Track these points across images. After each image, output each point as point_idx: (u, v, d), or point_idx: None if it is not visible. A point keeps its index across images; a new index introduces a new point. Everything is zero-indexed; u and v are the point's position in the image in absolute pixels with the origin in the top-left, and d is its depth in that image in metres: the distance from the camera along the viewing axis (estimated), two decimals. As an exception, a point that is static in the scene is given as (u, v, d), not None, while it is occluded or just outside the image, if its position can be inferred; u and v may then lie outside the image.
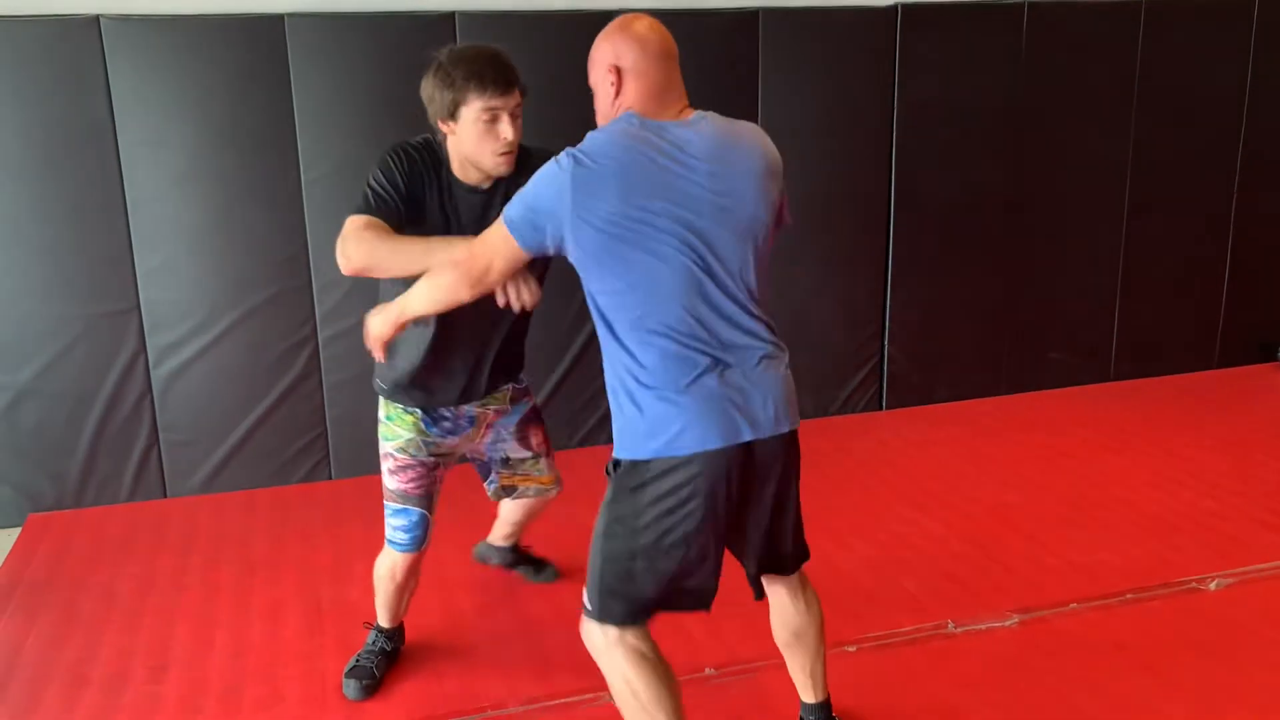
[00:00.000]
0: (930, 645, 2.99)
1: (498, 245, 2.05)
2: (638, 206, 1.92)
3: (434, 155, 2.48)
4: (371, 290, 4.02)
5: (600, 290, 2.01)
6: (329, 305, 4.15)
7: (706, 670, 2.87)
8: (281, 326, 4.13)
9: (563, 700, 2.76)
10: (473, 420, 2.76)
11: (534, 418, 2.92)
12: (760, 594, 2.34)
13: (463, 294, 2.12)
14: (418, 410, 2.67)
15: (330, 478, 4.32)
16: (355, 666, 2.86)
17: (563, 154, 1.97)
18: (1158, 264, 5.25)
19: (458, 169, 2.47)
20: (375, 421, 4.17)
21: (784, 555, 2.27)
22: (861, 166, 4.72)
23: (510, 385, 2.82)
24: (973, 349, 5.07)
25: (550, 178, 1.96)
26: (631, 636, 2.11)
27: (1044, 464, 4.35)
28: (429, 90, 2.37)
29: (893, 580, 3.37)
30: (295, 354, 4.17)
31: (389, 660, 2.93)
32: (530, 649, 3.02)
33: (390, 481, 2.70)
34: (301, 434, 4.25)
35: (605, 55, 2.07)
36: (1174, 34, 5.01)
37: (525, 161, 2.41)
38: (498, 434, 2.86)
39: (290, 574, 3.52)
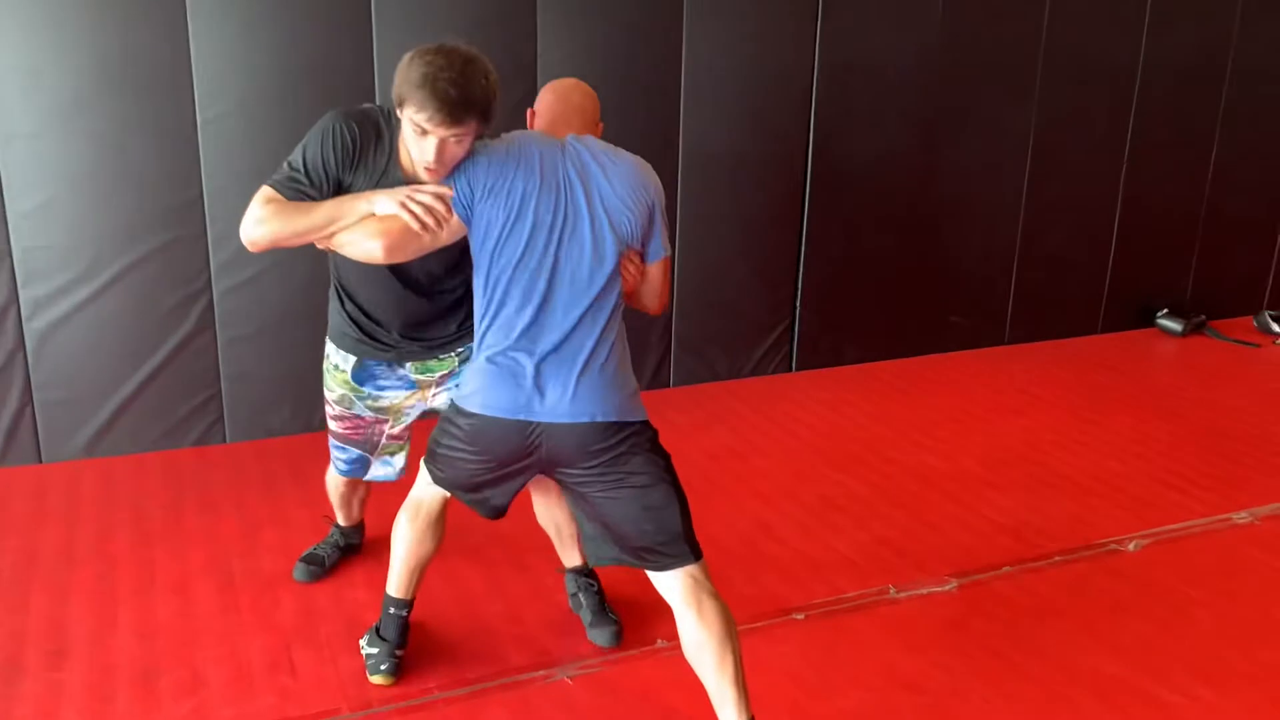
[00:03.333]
0: (876, 611, 2.99)
1: None
2: (520, 194, 2.22)
3: (377, 133, 2.34)
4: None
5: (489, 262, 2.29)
6: (225, 255, 3.84)
7: (658, 642, 2.79)
8: (173, 277, 3.80)
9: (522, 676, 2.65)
10: (412, 384, 2.70)
11: None
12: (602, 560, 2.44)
13: (380, 259, 2.28)
14: (349, 365, 2.66)
15: (225, 441, 4.03)
16: (310, 554, 3.09)
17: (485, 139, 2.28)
18: (1052, 231, 5.40)
19: (404, 154, 2.31)
20: (271, 380, 3.97)
21: (637, 549, 2.31)
22: (782, 127, 4.66)
23: (457, 353, 2.67)
24: (879, 311, 5.11)
25: (475, 155, 2.24)
26: (431, 499, 2.55)
27: (954, 425, 4.42)
28: (398, 69, 2.17)
29: (827, 544, 3.36)
30: (188, 307, 3.85)
31: (343, 554, 3.16)
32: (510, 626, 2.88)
33: (331, 424, 2.81)
34: (194, 393, 3.94)
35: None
36: (1077, 2, 5.11)
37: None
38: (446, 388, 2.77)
39: (194, 545, 3.26)
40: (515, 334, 2.24)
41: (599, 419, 2.25)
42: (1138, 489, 3.82)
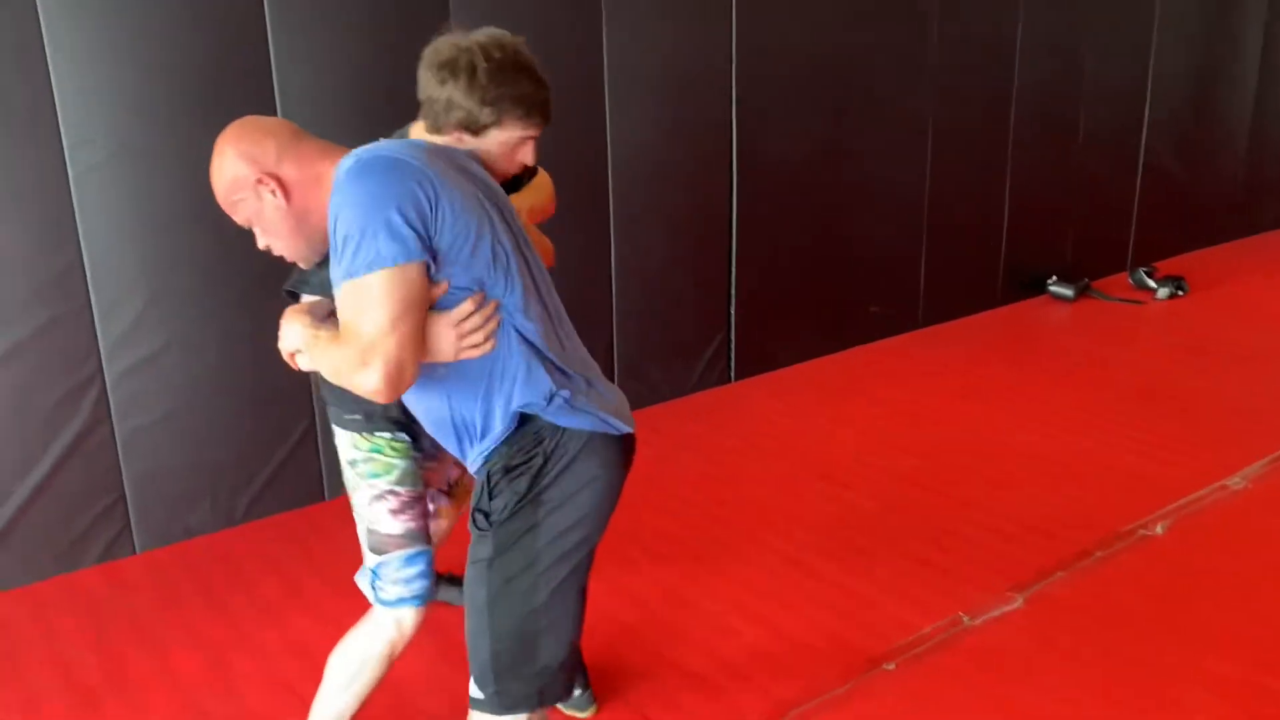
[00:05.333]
0: (960, 644, 2.78)
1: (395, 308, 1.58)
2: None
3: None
4: (170, 304, 3.20)
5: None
6: (118, 331, 3.19)
7: (762, 724, 2.47)
8: (55, 365, 3.12)
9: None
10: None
11: None
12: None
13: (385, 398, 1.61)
14: (405, 436, 2.25)
15: (135, 552, 3.36)
16: None
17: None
18: (954, 212, 5.38)
19: None
20: (185, 472, 3.35)
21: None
22: (705, 125, 4.37)
23: None
24: (806, 308, 4.93)
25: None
26: None
27: (915, 420, 4.29)
28: (447, 94, 1.88)
29: (871, 575, 3.12)
30: (76, 399, 3.17)
31: None
32: None
33: (394, 525, 2.22)
34: (93, 501, 3.25)
35: (243, 172, 1.71)
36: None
37: None
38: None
39: (153, 694, 2.66)
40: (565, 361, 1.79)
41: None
42: (1126, 466, 3.79)
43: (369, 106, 3.42)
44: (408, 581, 2.20)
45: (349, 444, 2.24)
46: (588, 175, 4.06)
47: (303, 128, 1.79)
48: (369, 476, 2.22)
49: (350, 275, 1.55)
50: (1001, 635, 2.81)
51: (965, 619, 2.88)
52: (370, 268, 1.53)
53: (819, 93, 4.68)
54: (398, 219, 1.53)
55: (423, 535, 2.25)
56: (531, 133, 1.94)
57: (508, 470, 1.71)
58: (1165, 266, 6.27)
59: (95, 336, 3.18)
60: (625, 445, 1.80)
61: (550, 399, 1.69)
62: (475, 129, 1.87)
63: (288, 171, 1.70)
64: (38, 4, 2.91)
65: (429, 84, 1.88)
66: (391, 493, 2.22)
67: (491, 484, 1.72)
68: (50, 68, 2.96)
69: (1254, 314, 5.65)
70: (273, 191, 1.69)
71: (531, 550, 1.72)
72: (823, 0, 4.58)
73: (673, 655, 2.73)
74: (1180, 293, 5.87)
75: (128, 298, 3.19)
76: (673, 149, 4.28)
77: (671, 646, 2.77)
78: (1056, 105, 5.73)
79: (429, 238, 1.57)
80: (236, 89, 3.24)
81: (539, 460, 1.70)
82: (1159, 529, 3.33)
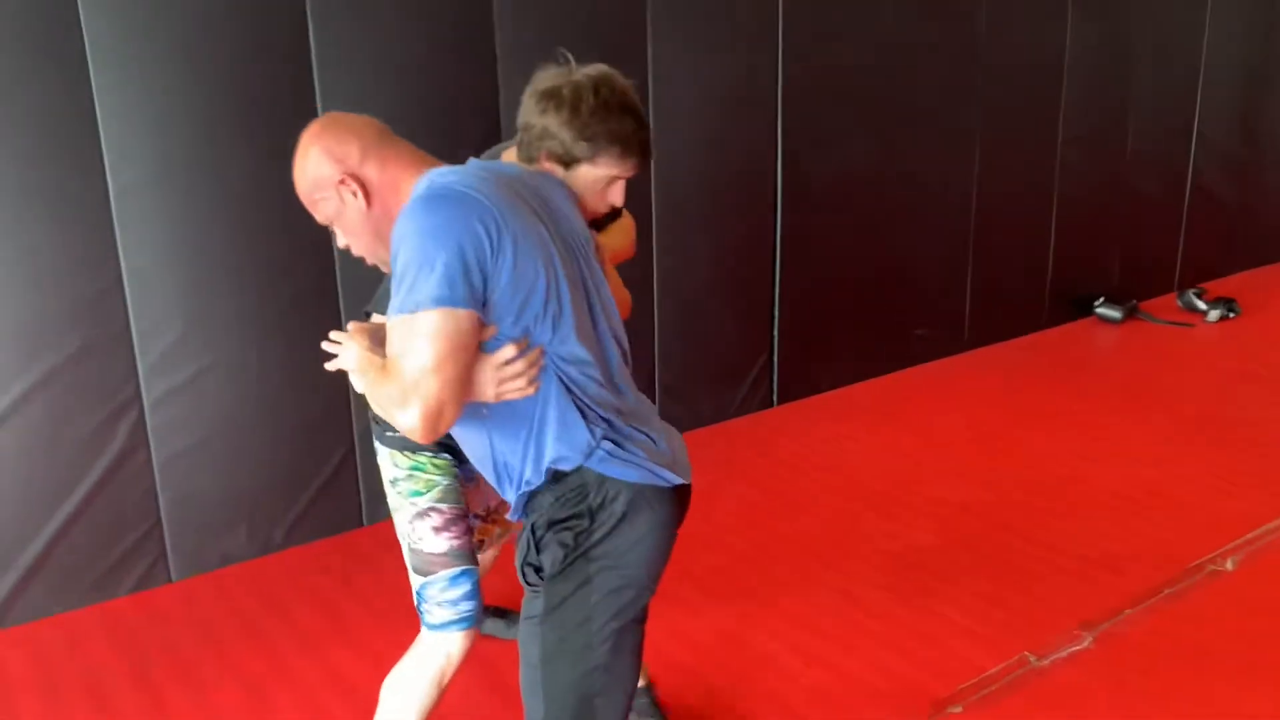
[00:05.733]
0: (1029, 686, 2.65)
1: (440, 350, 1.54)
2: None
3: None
4: (210, 327, 3.15)
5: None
6: (156, 354, 3.12)
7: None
8: (92, 390, 3.05)
9: None
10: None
11: None
12: None
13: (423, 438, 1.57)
14: (447, 454, 2.19)
15: (170, 580, 3.29)
16: None
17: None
18: (999, 232, 5.25)
19: None
20: (222, 499, 3.27)
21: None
22: (751, 147, 4.28)
23: None
24: (848, 331, 4.81)
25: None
26: None
27: (966, 447, 4.16)
28: (544, 123, 1.81)
29: (931, 609, 3.00)
30: (113, 425, 3.10)
31: None
32: None
33: (438, 543, 2.14)
34: (129, 529, 3.18)
35: (326, 171, 1.72)
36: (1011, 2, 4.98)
37: None
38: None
39: (191, 732, 2.58)
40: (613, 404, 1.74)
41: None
42: (1190, 498, 3.65)
43: (415, 127, 3.31)
44: (454, 603, 2.12)
45: (390, 461, 2.19)
46: (630, 196, 3.97)
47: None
48: (410, 494, 2.16)
49: (402, 310, 1.51)
50: (1073, 676, 2.69)
51: (1032, 659, 2.76)
52: (421, 306, 1.49)
53: (865, 113, 4.58)
54: (455, 261, 1.49)
55: (468, 554, 2.18)
56: (626, 173, 1.87)
57: (551, 524, 1.65)
58: (1215, 287, 6.11)
59: (133, 359, 3.11)
60: (678, 497, 1.73)
61: (589, 454, 1.63)
62: (567, 162, 1.79)
63: (370, 173, 1.69)
64: (82, 21, 2.85)
65: (529, 111, 1.80)
66: (434, 509, 2.15)
67: (537, 538, 1.67)
68: (93, 84, 2.90)
69: (1309, 337, 5.50)
70: (354, 193, 1.68)
71: (585, 607, 1.67)
72: (869, 20, 4.49)
73: (729, 698, 2.62)
74: (1232, 314, 5.71)
75: (167, 320, 3.13)
76: (717, 170, 4.19)
77: (729, 688, 2.67)
78: (1103, 124, 5.60)
79: (484, 282, 1.52)
80: (279, 108, 3.17)
81: (585, 519, 1.64)
82: (1229, 564, 3.20)
